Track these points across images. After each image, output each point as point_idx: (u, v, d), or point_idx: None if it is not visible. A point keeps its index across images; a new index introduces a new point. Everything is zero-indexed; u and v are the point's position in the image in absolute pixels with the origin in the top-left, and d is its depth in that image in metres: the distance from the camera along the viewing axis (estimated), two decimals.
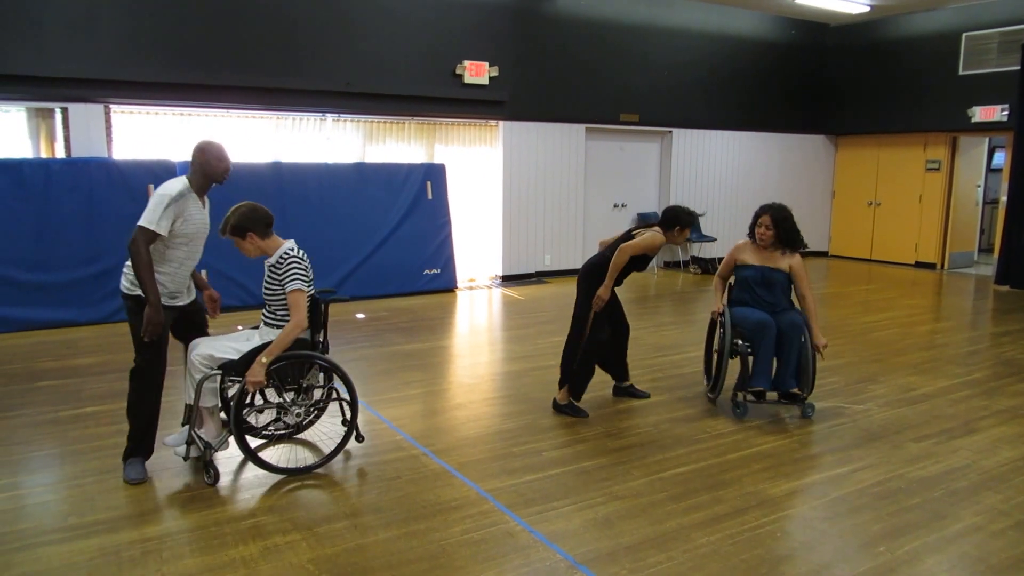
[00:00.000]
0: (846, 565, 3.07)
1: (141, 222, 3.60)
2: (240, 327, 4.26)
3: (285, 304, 3.79)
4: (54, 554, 3.08)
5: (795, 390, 4.70)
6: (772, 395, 4.81)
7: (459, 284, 9.52)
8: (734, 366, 4.92)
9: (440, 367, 6.16)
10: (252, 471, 3.88)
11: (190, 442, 3.76)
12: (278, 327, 3.80)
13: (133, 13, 7.43)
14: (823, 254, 13.40)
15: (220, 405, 3.83)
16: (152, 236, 3.60)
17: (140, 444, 3.81)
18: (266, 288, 3.88)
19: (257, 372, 3.61)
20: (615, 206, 11.36)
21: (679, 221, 4.76)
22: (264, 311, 3.94)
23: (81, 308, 7.17)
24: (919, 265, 12.00)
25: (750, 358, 4.76)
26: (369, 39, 8.67)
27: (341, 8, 8.47)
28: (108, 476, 3.81)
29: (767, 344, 4.65)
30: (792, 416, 4.84)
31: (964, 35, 10.99)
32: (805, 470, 4.02)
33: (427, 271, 9.10)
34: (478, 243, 10.10)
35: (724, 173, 12.09)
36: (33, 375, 5.58)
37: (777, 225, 4.79)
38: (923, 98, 11.57)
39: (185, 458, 3.83)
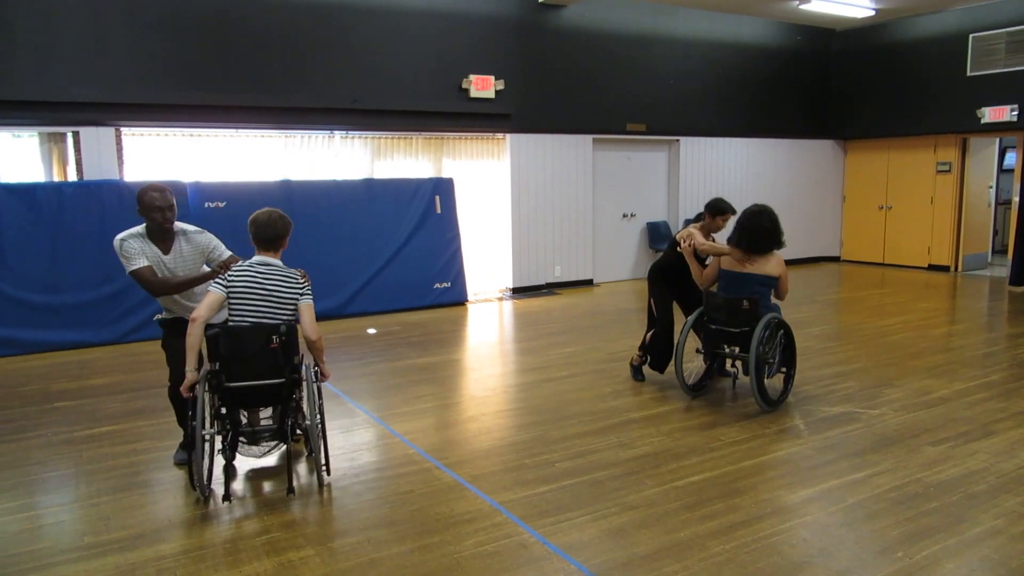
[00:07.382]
0: (864, 571, 3.03)
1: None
2: None
3: None
4: (70, 573, 3.09)
5: None
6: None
7: (470, 297, 9.53)
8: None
9: (451, 380, 6.16)
10: (264, 488, 3.89)
11: None
12: None
13: (141, 37, 7.53)
14: (835, 259, 13.32)
15: None
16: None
17: None
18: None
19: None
20: (624, 216, 11.35)
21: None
22: None
23: (95, 329, 7.22)
24: (932, 268, 11.91)
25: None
26: (375, 56, 8.75)
27: (347, 26, 8.56)
28: (123, 495, 3.83)
29: None
30: (807, 422, 4.81)
31: (971, 36, 10.94)
32: (821, 476, 3.98)
33: (437, 285, 9.12)
34: (488, 256, 10.12)
35: (733, 181, 12.06)
36: (48, 396, 5.63)
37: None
38: (931, 100, 11.52)
39: None
